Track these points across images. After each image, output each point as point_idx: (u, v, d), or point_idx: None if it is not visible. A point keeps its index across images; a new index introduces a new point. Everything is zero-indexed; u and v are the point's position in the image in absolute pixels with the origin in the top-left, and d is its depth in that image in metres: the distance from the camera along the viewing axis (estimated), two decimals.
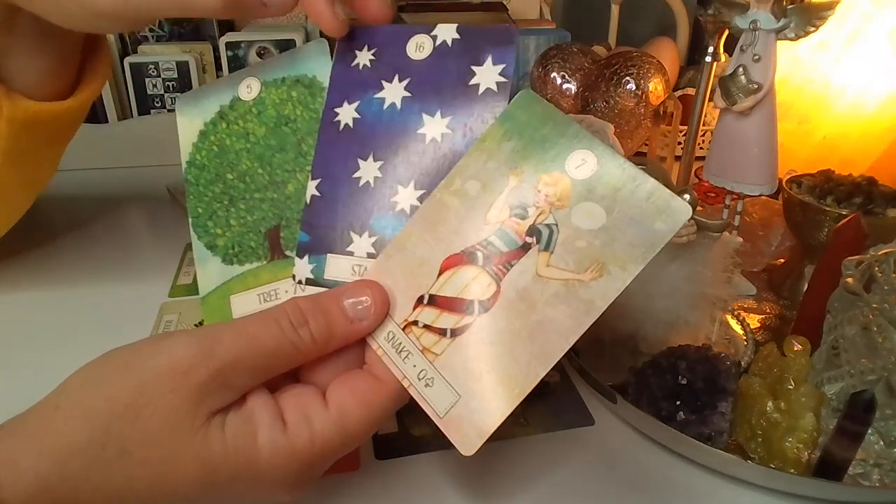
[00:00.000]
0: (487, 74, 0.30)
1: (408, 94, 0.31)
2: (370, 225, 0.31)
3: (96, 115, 0.81)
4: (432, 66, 0.31)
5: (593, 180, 0.26)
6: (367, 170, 0.32)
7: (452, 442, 0.26)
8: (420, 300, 0.28)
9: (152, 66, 0.81)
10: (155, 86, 0.82)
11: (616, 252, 0.25)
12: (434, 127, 0.31)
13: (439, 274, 0.28)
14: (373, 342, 0.29)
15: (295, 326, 0.27)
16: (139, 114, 0.82)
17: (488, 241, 0.28)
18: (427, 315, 0.28)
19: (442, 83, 0.31)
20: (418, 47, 0.32)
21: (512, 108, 0.29)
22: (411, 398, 0.28)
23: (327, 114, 0.33)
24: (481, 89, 0.30)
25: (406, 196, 0.31)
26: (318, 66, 0.34)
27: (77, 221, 0.67)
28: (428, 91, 0.31)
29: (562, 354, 0.25)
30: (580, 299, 0.25)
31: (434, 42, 0.32)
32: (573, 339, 0.25)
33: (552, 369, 0.25)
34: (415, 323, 0.28)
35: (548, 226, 0.27)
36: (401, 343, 0.28)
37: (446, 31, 0.31)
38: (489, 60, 0.30)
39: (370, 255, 0.31)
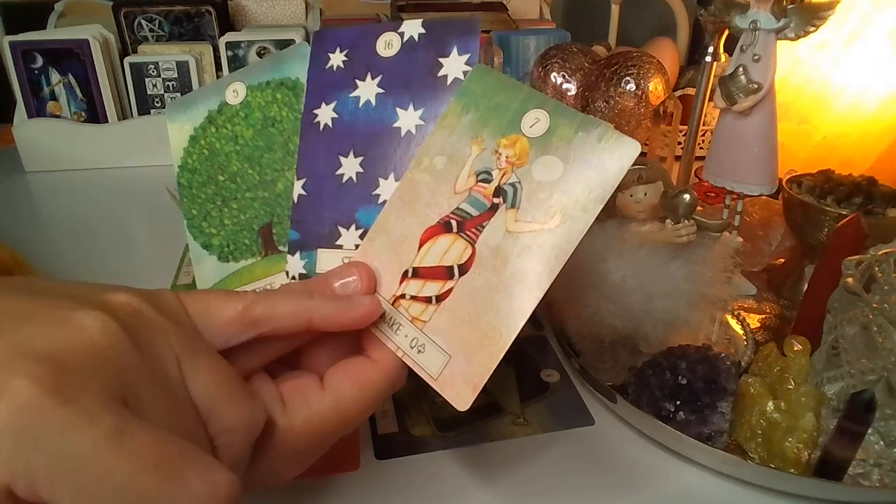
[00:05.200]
0: (454, 65, 0.31)
1: (381, 90, 0.33)
2: (356, 218, 0.32)
3: (96, 115, 0.81)
4: (402, 61, 0.33)
5: (548, 135, 0.28)
6: (349, 166, 0.33)
7: (448, 400, 0.27)
8: (405, 274, 0.30)
9: (152, 66, 0.81)
10: (155, 86, 0.82)
11: (577, 196, 0.27)
12: (408, 119, 0.32)
13: (419, 247, 0.30)
14: None
15: None
16: (139, 114, 0.82)
17: (460, 208, 0.29)
18: (413, 287, 0.29)
19: (412, 77, 0.32)
20: (387, 45, 0.33)
21: (467, 83, 0.31)
22: (408, 376, 0.29)
23: (307, 115, 0.35)
24: (449, 79, 0.31)
25: (387, 187, 0.32)
26: (301, 69, 0.35)
27: (77, 221, 0.67)
28: (399, 86, 0.32)
29: (538, 301, 0.27)
30: (549, 246, 0.27)
31: (402, 38, 0.33)
32: (546, 285, 0.27)
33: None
34: (402, 296, 0.29)
35: (511, 184, 0.29)
36: (392, 317, 0.29)
37: (412, 27, 0.33)
38: (455, 51, 0.32)
39: (358, 247, 0.32)
